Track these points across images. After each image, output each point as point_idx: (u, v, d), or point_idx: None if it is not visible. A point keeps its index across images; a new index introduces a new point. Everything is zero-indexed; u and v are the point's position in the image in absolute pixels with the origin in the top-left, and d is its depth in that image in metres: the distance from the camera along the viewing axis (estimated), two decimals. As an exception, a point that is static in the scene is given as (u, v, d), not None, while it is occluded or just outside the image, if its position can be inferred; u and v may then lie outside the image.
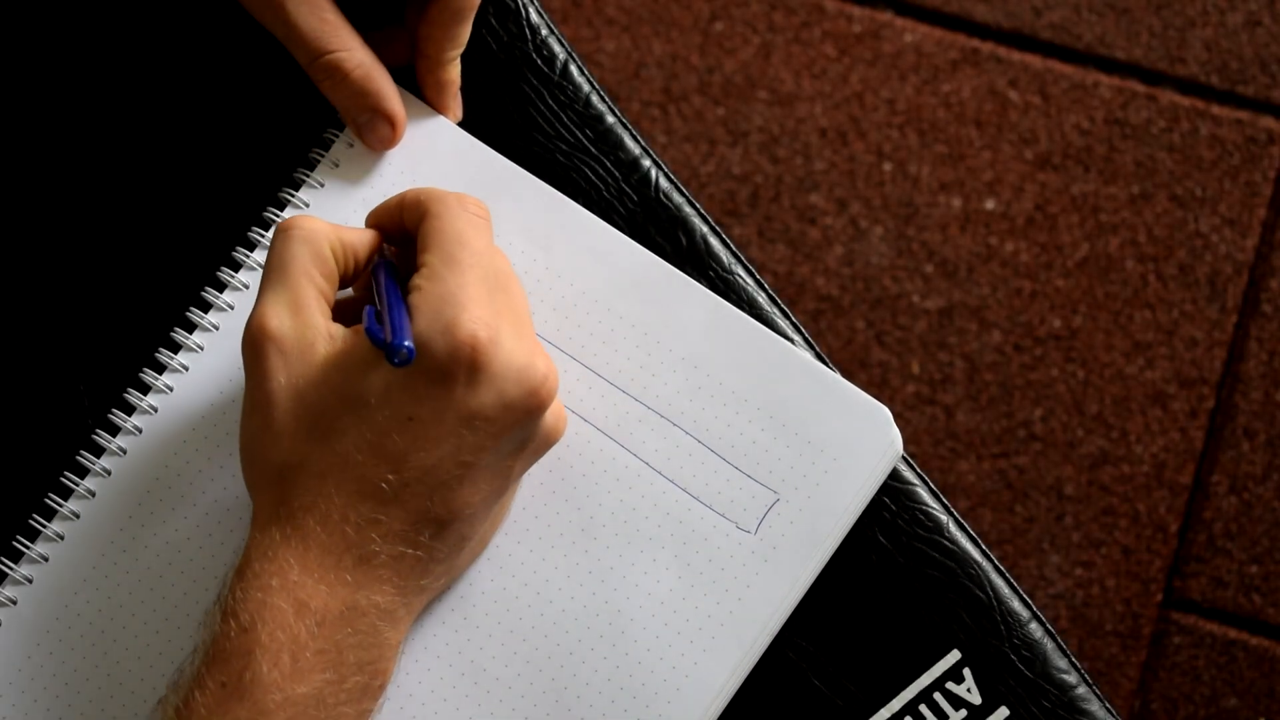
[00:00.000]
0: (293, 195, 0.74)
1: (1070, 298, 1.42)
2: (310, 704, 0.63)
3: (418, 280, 0.65)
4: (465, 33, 0.73)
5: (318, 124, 0.75)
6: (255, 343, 0.64)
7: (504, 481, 0.67)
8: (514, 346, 0.64)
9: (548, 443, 0.68)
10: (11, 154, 0.75)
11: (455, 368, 0.63)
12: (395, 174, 0.74)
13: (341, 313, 0.67)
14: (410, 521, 0.64)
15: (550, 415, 0.67)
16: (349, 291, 0.70)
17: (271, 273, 0.66)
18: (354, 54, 0.72)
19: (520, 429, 0.65)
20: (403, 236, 0.69)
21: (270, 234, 0.74)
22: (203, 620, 0.65)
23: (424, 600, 0.68)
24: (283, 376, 0.64)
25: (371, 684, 0.65)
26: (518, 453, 0.66)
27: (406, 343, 0.61)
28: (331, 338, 0.65)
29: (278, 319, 0.64)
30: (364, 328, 0.64)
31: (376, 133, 0.73)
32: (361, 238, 0.68)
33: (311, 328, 0.65)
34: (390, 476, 0.63)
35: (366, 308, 0.65)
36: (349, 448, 0.63)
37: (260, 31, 0.73)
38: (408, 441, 0.63)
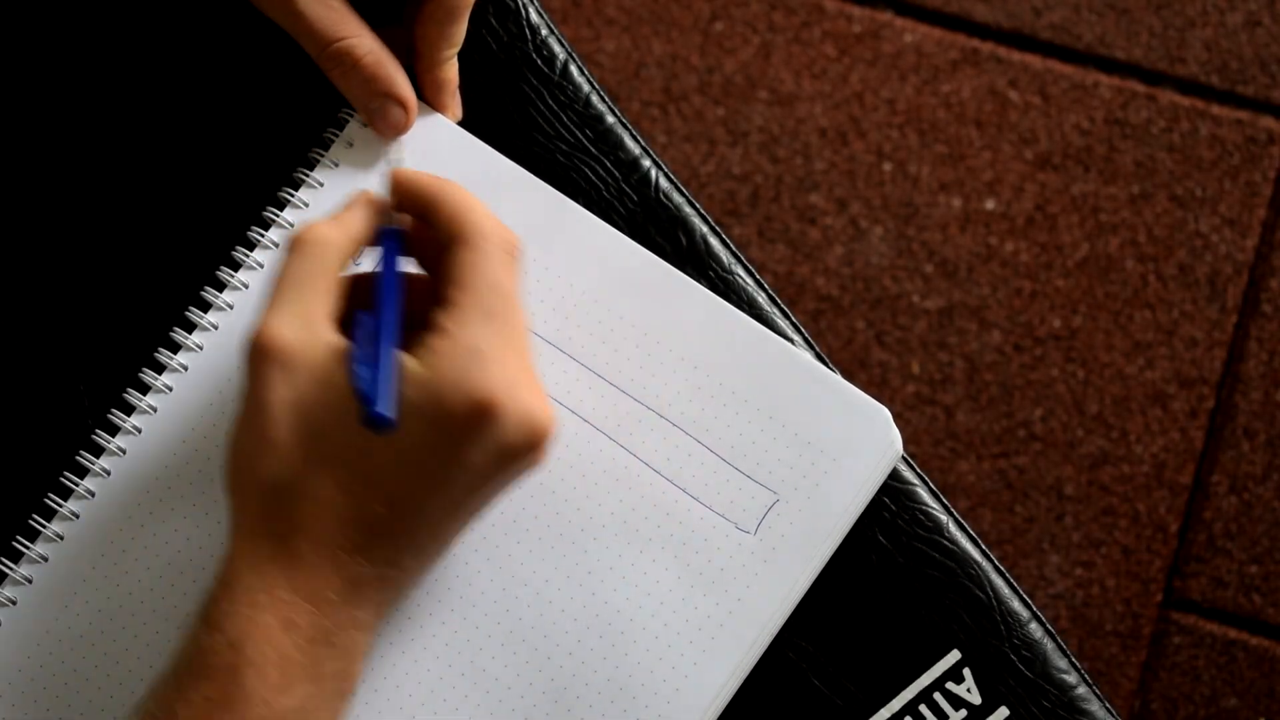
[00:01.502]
0: (293, 195, 0.74)
1: (1070, 298, 1.42)
2: (293, 715, 0.63)
3: (445, 322, 0.63)
4: (461, 31, 0.73)
5: (319, 122, 0.75)
6: (261, 353, 0.63)
7: (485, 510, 0.67)
8: (526, 401, 0.63)
9: (530, 474, 0.68)
10: (11, 154, 0.75)
11: (468, 423, 0.62)
12: (395, 174, 0.74)
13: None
14: (398, 549, 0.64)
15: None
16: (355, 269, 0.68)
17: (283, 284, 0.64)
18: (364, 41, 0.71)
19: (516, 476, 0.65)
20: (419, 217, 0.67)
21: (270, 234, 0.74)
22: (183, 625, 0.65)
23: (395, 607, 0.68)
24: (285, 390, 0.63)
25: (344, 688, 0.65)
26: (505, 490, 0.67)
27: (388, 414, 0.60)
28: (341, 358, 0.64)
29: (289, 331, 0.63)
30: (350, 377, 0.62)
31: (389, 118, 0.73)
32: (368, 225, 0.66)
33: (322, 345, 0.63)
34: (382, 510, 0.63)
35: (356, 355, 0.62)
36: (346, 476, 0.63)
37: (261, 30, 0.73)
38: (406, 481, 0.63)
